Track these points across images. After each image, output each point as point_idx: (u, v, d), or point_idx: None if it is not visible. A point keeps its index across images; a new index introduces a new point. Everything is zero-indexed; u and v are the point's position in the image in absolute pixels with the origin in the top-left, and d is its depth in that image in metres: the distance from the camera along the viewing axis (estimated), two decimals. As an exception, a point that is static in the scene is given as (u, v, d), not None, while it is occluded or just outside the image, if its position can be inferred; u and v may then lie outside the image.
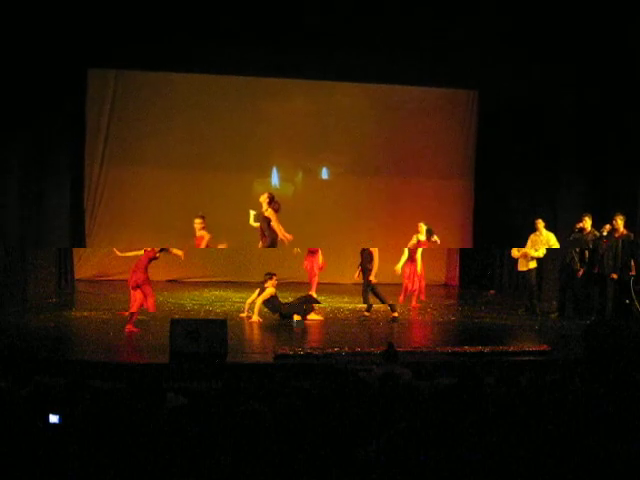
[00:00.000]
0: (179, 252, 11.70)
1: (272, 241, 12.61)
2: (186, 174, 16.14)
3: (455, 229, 17.08)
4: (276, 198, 12.76)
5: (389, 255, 14.37)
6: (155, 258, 11.32)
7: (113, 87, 15.82)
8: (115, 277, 16.25)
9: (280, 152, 16.46)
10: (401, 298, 13.90)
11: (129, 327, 10.91)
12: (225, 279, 16.59)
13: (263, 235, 12.50)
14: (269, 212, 12.39)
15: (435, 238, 14.02)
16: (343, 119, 16.45)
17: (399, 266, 13.72)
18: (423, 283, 14.28)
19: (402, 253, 13.86)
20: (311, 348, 9.77)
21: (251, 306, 12.36)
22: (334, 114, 16.46)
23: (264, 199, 12.49)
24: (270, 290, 12.28)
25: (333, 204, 16.63)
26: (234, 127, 16.19)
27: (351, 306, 13.78)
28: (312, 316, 12.40)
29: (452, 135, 16.86)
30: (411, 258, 13.91)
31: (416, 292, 14.16)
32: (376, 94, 16.48)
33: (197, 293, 15.26)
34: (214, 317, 11.62)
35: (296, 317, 12.15)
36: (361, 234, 16.13)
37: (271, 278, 12.37)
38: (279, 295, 12.58)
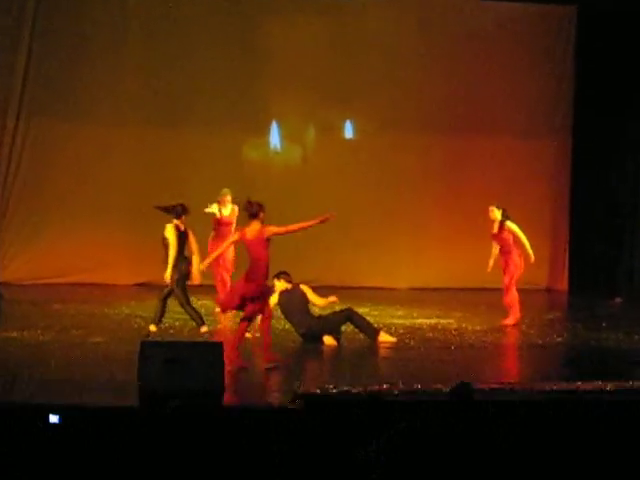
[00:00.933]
0: None
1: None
2: (147, 131, 11.98)
3: (543, 211, 12.82)
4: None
5: (450, 248, 11.76)
6: None
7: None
8: (53, 280, 12.07)
9: (283, 99, 12.15)
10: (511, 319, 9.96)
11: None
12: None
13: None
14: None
15: (510, 225, 9.85)
16: (379, 50, 12.21)
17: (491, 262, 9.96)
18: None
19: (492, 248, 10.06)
20: (348, 385, 6.52)
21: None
22: (365, 43, 12.23)
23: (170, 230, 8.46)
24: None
25: (362, 174, 12.33)
26: (217, 62, 11.99)
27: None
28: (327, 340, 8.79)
29: (540, 73, 12.59)
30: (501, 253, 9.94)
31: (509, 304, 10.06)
32: (428, 13, 12.27)
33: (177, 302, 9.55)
34: (204, 338, 8.26)
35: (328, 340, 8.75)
36: (404, 217, 12.39)
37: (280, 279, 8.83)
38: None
